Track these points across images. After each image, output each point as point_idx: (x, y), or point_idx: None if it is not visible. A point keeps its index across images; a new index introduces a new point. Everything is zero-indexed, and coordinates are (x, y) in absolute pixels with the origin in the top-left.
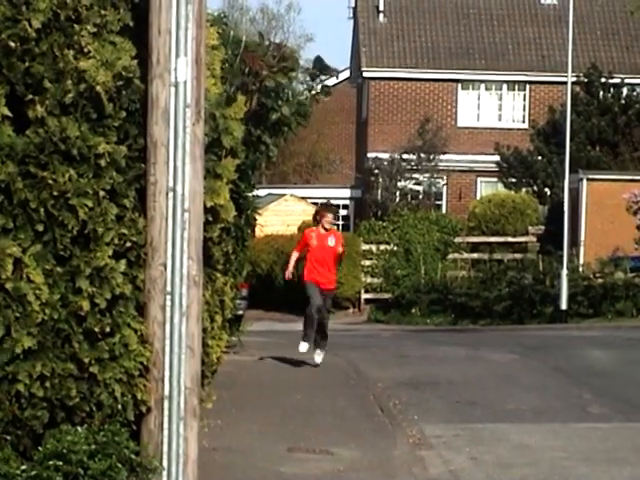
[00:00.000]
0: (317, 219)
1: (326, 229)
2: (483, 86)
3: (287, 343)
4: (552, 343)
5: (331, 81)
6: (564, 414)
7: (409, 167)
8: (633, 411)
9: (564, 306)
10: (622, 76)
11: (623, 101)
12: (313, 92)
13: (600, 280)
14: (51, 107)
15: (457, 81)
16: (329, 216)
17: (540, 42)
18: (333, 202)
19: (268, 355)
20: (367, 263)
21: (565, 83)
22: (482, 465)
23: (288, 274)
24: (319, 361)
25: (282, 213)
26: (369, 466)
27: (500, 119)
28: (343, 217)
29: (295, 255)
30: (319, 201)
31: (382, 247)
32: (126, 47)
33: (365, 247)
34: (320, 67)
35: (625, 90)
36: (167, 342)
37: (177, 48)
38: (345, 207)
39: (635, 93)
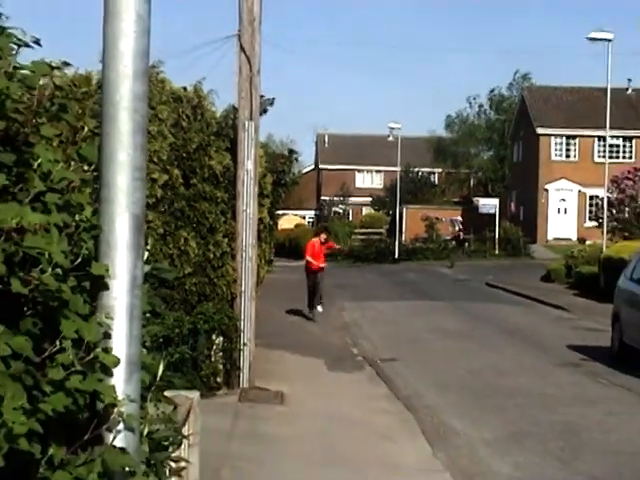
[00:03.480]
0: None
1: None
2: (365, 171)
3: (290, 271)
4: (392, 271)
5: (305, 169)
6: (396, 298)
7: (336, 203)
8: (422, 296)
9: (397, 256)
10: (421, 168)
11: (418, 182)
12: (299, 174)
13: (411, 246)
14: (199, 179)
15: (355, 170)
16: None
17: (345, 156)
18: (307, 217)
19: (282, 276)
20: None
21: (397, 171)
22: (366, 318)
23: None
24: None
25: (288, 220)
26: (320, 317)
27: (372, 183)
28: (312, 222)
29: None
30: (307, 215)
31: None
32: (227, 156)
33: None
34: (290, 151)
35: (422, 175)
36: (242, 271)
37: (247, 156)
38: (312, 218)
39: (426, 176)
